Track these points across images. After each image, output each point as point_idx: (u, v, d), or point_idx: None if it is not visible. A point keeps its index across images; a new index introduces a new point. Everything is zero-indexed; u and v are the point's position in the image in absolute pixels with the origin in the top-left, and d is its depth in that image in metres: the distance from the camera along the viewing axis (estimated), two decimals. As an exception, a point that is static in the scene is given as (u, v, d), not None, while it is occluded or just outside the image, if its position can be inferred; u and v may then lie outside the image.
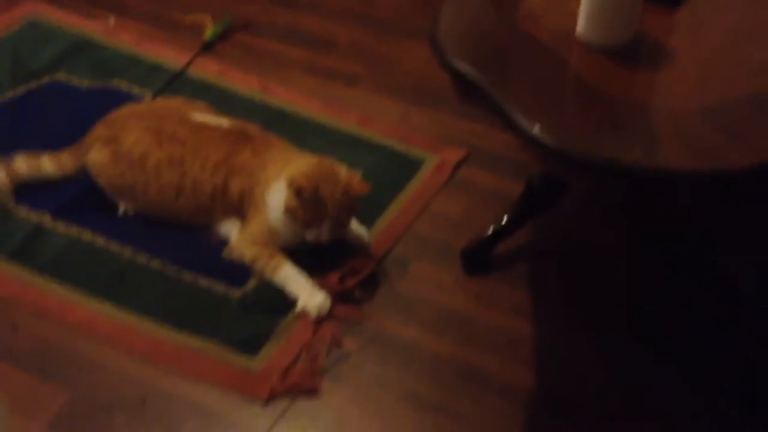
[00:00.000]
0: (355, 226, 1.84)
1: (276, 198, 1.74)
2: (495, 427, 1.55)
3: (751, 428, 1.53)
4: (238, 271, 1.77)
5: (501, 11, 1.48)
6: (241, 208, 1.82)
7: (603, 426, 1.55)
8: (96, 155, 1.87)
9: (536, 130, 1.18)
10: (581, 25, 1.36)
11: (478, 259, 1.81)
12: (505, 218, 1.81)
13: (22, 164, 1.90)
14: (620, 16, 1.33)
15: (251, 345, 1.65)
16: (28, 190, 1.90)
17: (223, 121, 1.89)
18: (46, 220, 1.86)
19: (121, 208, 1.88)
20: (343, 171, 1.75)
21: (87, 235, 1.84)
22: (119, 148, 1.85)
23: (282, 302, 1.72)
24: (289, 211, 1.71)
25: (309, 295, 1.71)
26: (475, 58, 1.32)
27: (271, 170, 1.77)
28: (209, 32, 2.35)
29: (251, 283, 1.76)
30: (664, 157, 1.17)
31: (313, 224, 1.71)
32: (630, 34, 1.36)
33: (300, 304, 1.71)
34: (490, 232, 1.81)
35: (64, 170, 1.91)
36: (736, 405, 1.56)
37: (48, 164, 1.90)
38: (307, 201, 1.69)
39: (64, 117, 2.08)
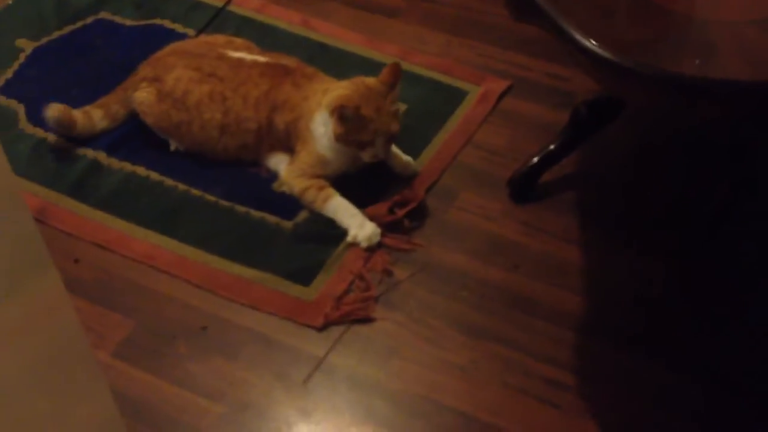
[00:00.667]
0: (401, 155, 1.86)
1: (321, 128, 1.76)
2: (545, 351, 1.58)
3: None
4: (288, 204, 1.81)
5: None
6: (287, 141, 1.84)
7: (651, 349, 1.58)
8: (142, 95, 1.90)
9: (593, 44, 1.18)
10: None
11: (524, 188, 1.82)
12: (551, 146, 1.81)
13: (79, 117, 1.91)
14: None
15: (304, 275, 1.70)
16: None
17: (260, 57, 1.90)
18: (101, 156, 1.90)
19: (173, 145, 1.91)
20: (374, 82, 1.77)
21: (141, 171, 1.88)
22: (162, 86, 1.87)
23: (332, 233, 1.76)
24: (340, 138, 1.73)
25: (359, 226, 1.74)
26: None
27: (313, 101, 1.79)
28: (249, -32, 2.34)
29: (302, 215, 1.80)
30: (722, 68, 1.16)
31: (366, 144, 1.73)
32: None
33: (350, 235, 1.74)
34: (536, 160, 1.82)
35: (117, 119, 1.93)
36: None
37: (100, 119, 1.92)
38: (354, 122, 1.70)
39: (110, 55, 2.10)
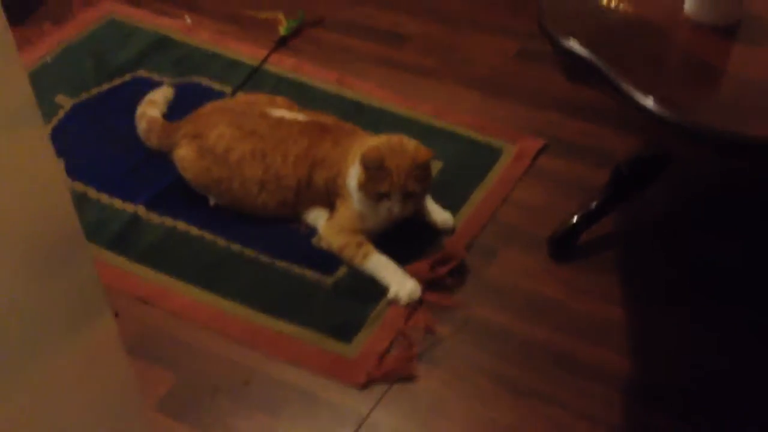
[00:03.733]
0: (439, 211, 1.86)
1: (354, 181, 1.77)
2: (590, 411, 1.56)
3: None
4: (328, 259, 1.80)
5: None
6: (327, 198, 1.85)
7: (699, 412, 1.55)
8: (182, 151, 1.92)
9: (654, 104, 1.19)
10: (689, 4, 1.37)
11: (565, 246, 1.82)
12: (591, 205, 1.81)
13: (144, 107, 2.05)
14: (728, -3, 1.34)
15: (345, 331, 1.68)
16: (122, 182, 1.95)
17: (300, 115, 1.92)
18: (141, 211, 1.90)
19: (212, 200, 1.92)
20: (411, 143, 1.77)
21: (181, 225, 1.88)
22: (204, 143, 1.89)
23: (373, 289, 1.75)
24: (360, 186, 1.74)
25: (400, 282, 1.73)
26: (584, 36, 1.33)
27: (351, 157, 1.80)
28: (284, 28, 2.39)
29: (342, 270, 1.79)
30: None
31: (383, 196, 1.73)
32: (738, 12, 1.36)
33: (391, 292, 1.73)
34: (576, 218, 1.82)
35: (150, 135, 2.01)
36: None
37: (146, 120, 2.02)
38: (374, 171, 1.71)
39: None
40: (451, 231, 1.86)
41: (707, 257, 1.81)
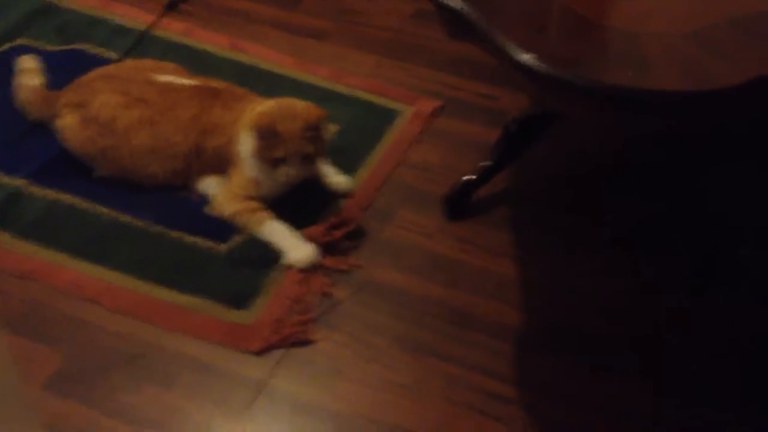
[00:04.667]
0: (336, 174, 1.85)
1: (245, 146, 1.73)
2: (487, 366, 1.58)
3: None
4: (221, 227, 1.77)
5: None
6: (218, 165, 1.81)
7: (590, 360, 1.59)
8: (65, 120, 1.84)
9: (527, 58, 1.19)
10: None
11: (460, 205, 1.83)
12: (484, 163, 1.83)
13: (21, 77, 1.95)
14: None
15: (241, 299, 1.66)
16: (3, 156, 1.87)
17: (189, 80, 1.87)
18: (22, 184, 1.82)
19: (97, 171, 1.86)
20: (301, 104, 1.75)
21: (66, 198, 1.81)
22: (87, 112, 1.82)
23: (268, 255, 1.73)
24: (255, 154, 1.71)
25: (295, 248, 1.72)
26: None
27: (242, 123, 1.76)
28: (172, -8, 2.31)
29: (236, 238, 1.76)
30: (657, 78, 1.19)
31: (279, 162, 1.70)
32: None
33: (287, 257, 1.71)
34: (469, 177, 1.83)
35: (30, 105, 1.93)
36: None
37: (24, 91, 1.93)
38: (268, 138, 1.68)
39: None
40: (349, 194, 1.85)
41: (596, 213, 1.85)
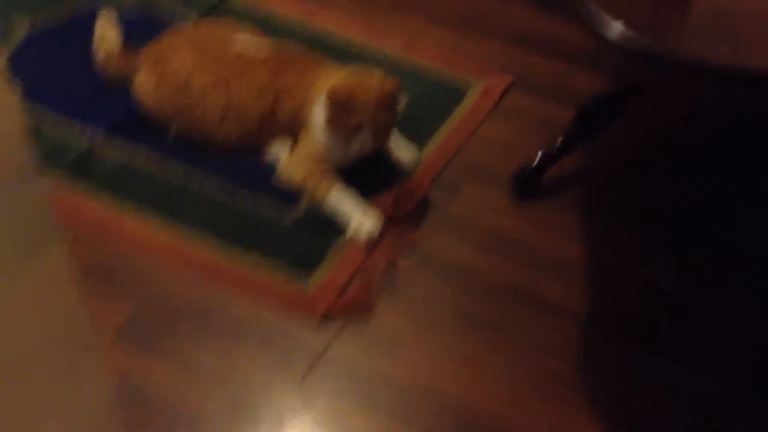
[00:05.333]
0: (405, 146, 1.84)
1: (320, 115, 1.74)
2: (548, 344, 1.57)
3: None
4: (290, 192, 1.78)
5: None
6: (291, 129, 1.82)
7: (654, 346, 1.57)
8: (142, 77, 1.87)
9: (619, 30, 1.17)
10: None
11: (528, 183, 1.81)
12: (556, 142, 1.80)
13: (100, 30, 1.99)
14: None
15: (305, 265, 1.67)
16: (82, 108, 1.90)
17: (266, 43, 1.88)
18: (99, 137, 1.86)
19: (172, 131, 1.88)
20: (376, 74, 1.74)
21: (140, 155, 1.84)
22: (165, 69, 1.84)
23: (334, 223, 1.73)
24: (329, 123, 1.71)
25: (361, 217, 1.72)
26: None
27: (317, 88, 1.76)
28: (250, -44, 2.32)
29: (304, 204, 1.77)
30: (752, 55, 1.16)
31: (354, 132, 1.71)
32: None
33: (352, 226, 1.72)
34: (541, 155, 1.81)
35: (108, 65, 1.95)
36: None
37: (104, 50, 1.96)
38: (344, 109, 1.68)
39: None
40: (416, 166, 1.84)
41: (668, 198, 1.82)
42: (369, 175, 1.80)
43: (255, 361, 1.54)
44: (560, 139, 1.81)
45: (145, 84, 1.87)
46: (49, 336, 1.08)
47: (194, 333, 1.57)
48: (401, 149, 1.85)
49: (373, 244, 1.71)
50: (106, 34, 1.99)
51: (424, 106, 1.98)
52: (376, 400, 1.49)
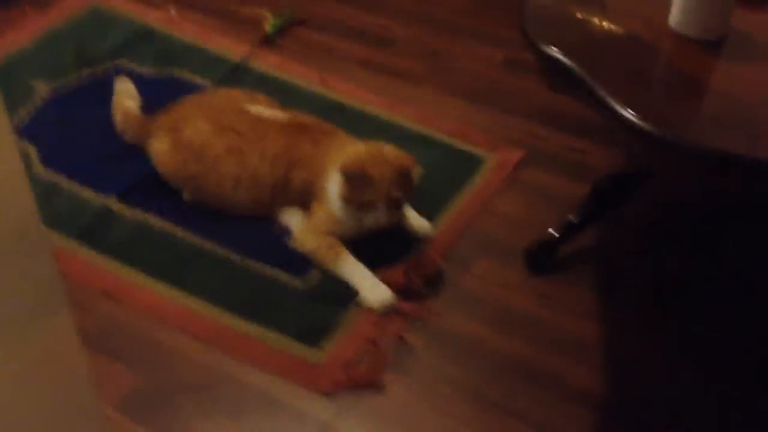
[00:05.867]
0: (418, 218, 1.84)
1: (334, 186, 1.74)
2: (559, 426, 1.53)
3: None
4: (301, 261, 1.77)
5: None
6: (303, 199, 1.82)
7: (668, 426, 1.53)
8: (158, 143, 1.88)
9: (635, 116, 1.17)
10: (674, 17, 1.35)
11: (542, 259, 1.80)
12: (570, 218, 1.79)
13: (118, 97, 2.02)
14: (715, 11, 1.32)
15: (314, 336, 1.65)
16: (96, 173, 1.91)
17: (280, 113, 1.89)
18: (112, 202, 1.86)
19: (185, 195, 1.88)
20: (392, 151, 1.75)
21: (153, 220, 1.84)
22: (180, 136, 1.85)
23: (345, 294, 1.72)
24: (343, 197, 1.71)
25: (371, 289, 1.70)
26: (567, 45, 1.32)
27: (329, 159, 1.77)
28: (270, 25, 2.36)
29: (314, 273, 1.76)
30: (763, 148, 1.15)
31: (368, 207, 1.70)
32: (724, 28, 1.35)
33: (362, 297, 1.70)
34: (554, 231, 1.79)
35: (125, 128, 1.97)
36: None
37: (119, 113, 1.98)
38: (358, 184, 1.68)
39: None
40: (429, 239, 1.83)
41: (684, 276, 1.79)
42: (381, 246, 1.79)
43: (259, 435, 1.51)
44: (574, 215, 1.79)
45: (160, 150, 1.88)
46: (52, 403, 1.06)
47: (197, 406, 1.54)
48: (414, 221, 1.84)
49: (383, 318, 1.68)
50: (124, 99, 2.01)
51: (438, 177, 1.98)
52: (381, 481, 1.45)
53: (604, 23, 1.37)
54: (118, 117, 1.99)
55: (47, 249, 1.00)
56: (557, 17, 1.41)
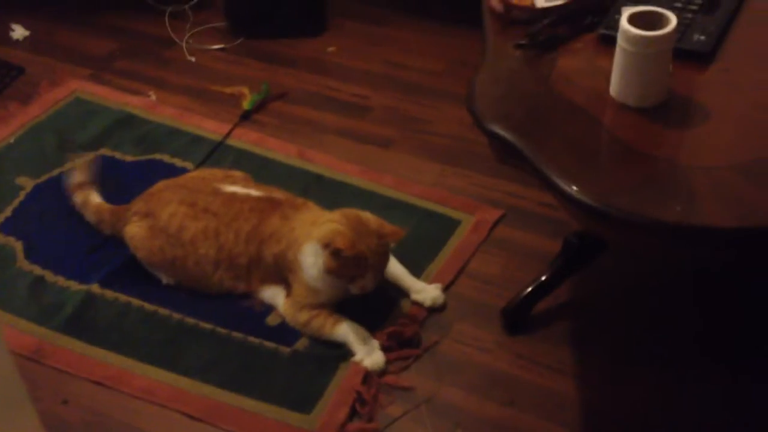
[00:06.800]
0: (425, 287, 1.88)
1: (309, 258, 1.77)
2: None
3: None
4: (285, 330, 1.81)
5: (535, 72, 1.51)
6: (278, 274, 1.85)
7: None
8: (134, 229, 1.92)
9: (574, 190, 1.21)
10: (614, 88, 1.39)
11: (518, 318, 1.82)
12: (543, 277, 1.82)
13: (79, 196, 2.04)
14: (652, 81, 1.36)
15: (305, 402, 1.69)
16: (79, 264, 1.97)
17: (253, 190, 1.93)
18: (95, 289, 1.91)
19: (164, 279, 1.93)
20: (370, 219, 1.79)
21: (135, 303, 1.89)
22: (156, 222, 1.89)
23: (332, 355, 1.76)
24: (331, 271, 1.74)
25: (368, 352, 1.74)
26: (511, 121, 1.36)
27: (300, 232, 1.80)
28: (248, 102, 2.42)
29: (301, 341, 1.79)
30: (704, 214, 1.18)
31: (356, 278, 1.74)
32: (662, 96, 1.39)
33: (357, 358, 1.74)
34: (528, 290, 1.82)
35: (101, 225, 2.01)
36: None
37: (91, 213, 2.02)
38: (348, 260, 1.71)
39: (111, 190, 2.12)
40: (441, 308, 1.86)
41: (662, 329, 1.81)
42: (361, 312, 1.82)
43: None
44: (547, 273, 1.82)
45: (136, 235, 1.92)
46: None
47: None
48: (425, 292, 1.87)
49: (372, 381, 1.71)
50: (88, 197, 2.04)
51: (416, 242, 2.02)
52: None
53: (548, 96, 1.42)
54: (89, 216, 2.02)
55: (5, 353, 1.03)
56: (503, 93, 1.46)
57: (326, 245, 1.72)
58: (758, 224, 1.15)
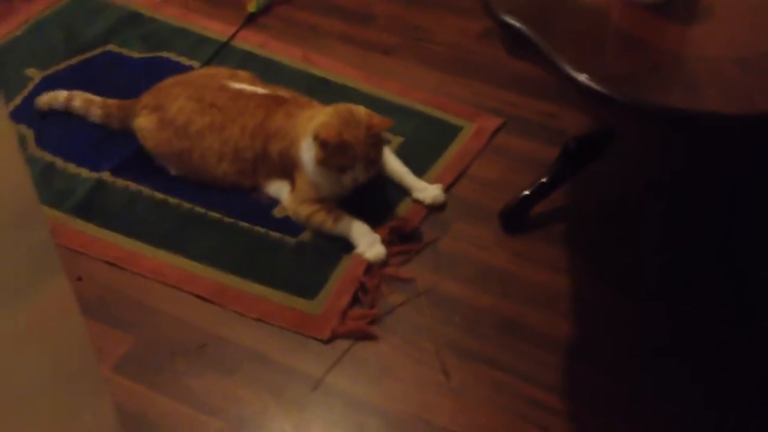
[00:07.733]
0: (426, 186, 1.93)
1: (307, 153, 1.82)
2: (534, 374, 1.63)
3: None
4: (291, 223, 1.87)
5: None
6: (283, 169, 1.90)
7: (638, 375, 1.62)
8: (143, 121, 1.97)
9: (583, 78, 1.26)
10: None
11: (516, 219, 1.88)
12: (542, 180, 1.88)
13: (78, 100, 2.06)
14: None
15: (309, 289, 1.75)
16: (89, 153, 2.01)
17: (259, 88, 1.97)
18: (106, 176, 1.96)
19: (172, 170, 1.97)
20: (361, 111, 1.83)
21: (145, 191, 1.94)
22: (164, 115, 1.94)
23: (335, 247, 1.82)
24: (320, 163, 1.79)
25: (370, 244, 1.80)
26: (523, 12, 1.40)
27: (301, 128, 1.85)
28: (253, 5, 2.43)
29: (305, 233, 1.86)
30: (704, 100, 1.24)
31: (346, 168, 1.79)
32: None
33: (359, 251, 1.80)
34: (527, 192, 1.88)
35: (109, 119, 2.03)
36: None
37: (96, 109, 2.04)
38: (334, 149, 1.76)
39: (117, 85, 2.16)
40: (441, 206, 1.91)
41: (653, 232, 1.88)
42: (363, 209, 1.88)
43: (251, 389, 1.61)
44: (545, 176, 1.88)
45: (146, 127, 1.96)
46: (51, 363, 1.14)
47: (192, 364, 1.64)
48: (426, 191, 1.92)
49: (374, 271, 1.77)
50: (87, 97, 2.07)
51: (418, 146, 2.07)
52: (365, 429, 1.55)
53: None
54: (94, 113, 2.05)
55: (42, 219, 1.08)
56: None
57: (315, 137, 1.78)
58: (755, 111, 1.21)
